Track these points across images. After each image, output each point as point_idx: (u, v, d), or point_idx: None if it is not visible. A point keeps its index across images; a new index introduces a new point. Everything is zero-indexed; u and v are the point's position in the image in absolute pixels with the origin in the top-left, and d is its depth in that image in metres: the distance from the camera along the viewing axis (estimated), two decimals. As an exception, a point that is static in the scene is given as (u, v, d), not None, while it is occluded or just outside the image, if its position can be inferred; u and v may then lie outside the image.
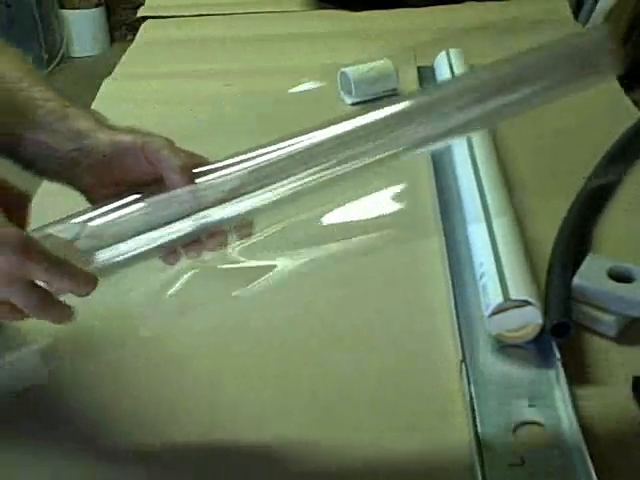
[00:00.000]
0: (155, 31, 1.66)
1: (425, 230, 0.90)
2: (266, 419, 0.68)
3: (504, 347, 0.73)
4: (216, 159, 0.63)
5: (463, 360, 0.71)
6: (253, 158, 0.61)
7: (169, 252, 0.63)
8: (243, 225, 0.63)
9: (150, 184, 0.62)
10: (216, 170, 0.62)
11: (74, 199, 0.66)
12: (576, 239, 0.85)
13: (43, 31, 3.30)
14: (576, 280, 0.77)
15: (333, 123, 0.62)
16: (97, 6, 3.50)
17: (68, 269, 0.56)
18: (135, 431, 0.67)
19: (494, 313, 0.71)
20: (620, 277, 0.77)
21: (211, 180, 0.61)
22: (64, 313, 0.59)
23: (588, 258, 0.80)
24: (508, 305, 0.71)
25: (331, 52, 1.45)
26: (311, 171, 0.60)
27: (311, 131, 0.62)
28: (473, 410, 0.66)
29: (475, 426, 0.64)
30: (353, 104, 1.24)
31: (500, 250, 0.77)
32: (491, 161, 0.96)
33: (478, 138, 0.99)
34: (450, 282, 0.80)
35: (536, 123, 1.16)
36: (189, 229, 0.61)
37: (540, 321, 0.71)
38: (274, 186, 0.61)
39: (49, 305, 0.57)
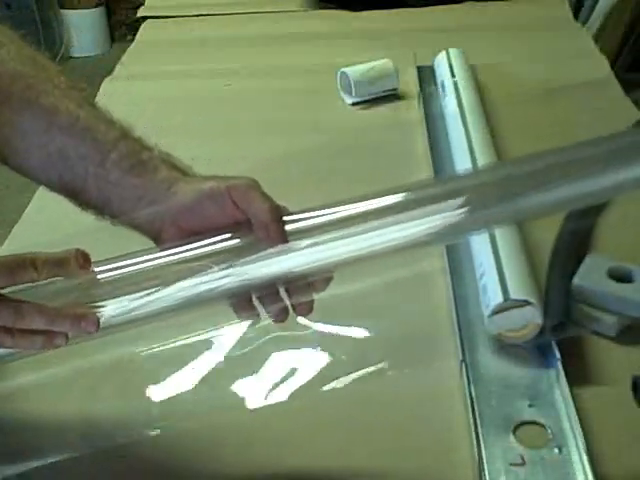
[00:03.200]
0: (155, 31, 1.66)
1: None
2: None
3: (504, 347, 0.73)
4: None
5: (463, 360, 0.71)
6: (341, 210, 0.59)
7: (241, 305, 0.61)
8: (321, 280, 0.61)
9: (230, 227, 0.60)
10: (300, 220, 0.59)
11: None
12: (576, 239, 0.85)
13: (43, 31, 3.30)
14: (576, 280, 0.77)
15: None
16: (97, 6, 3.50)
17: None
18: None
19: (494, 313, 0.71)
20: (620, 277, 0.77)
21: (297, 227, 0.59)
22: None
23: (588, 258, 0.80)
24: (508, 305, 0.71)
25: (331, 52, 1.45)
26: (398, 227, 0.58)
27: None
28: (473, 410, 0.66)
29: (475, 426, 0.64)
30: (353, 104, 1.24)
31: (500, 250, 0.77)
32: (490, 157, 0.96)
33: (479, 146, 0.99)
34: (450, 282, 0.80)
35: (536, 124, 1.16)
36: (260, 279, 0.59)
37: (540, 321, 0.71)
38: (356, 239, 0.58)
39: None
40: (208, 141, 1.16)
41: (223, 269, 0.58)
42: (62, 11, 3.45)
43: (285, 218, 0.59)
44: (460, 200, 0.57)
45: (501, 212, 0.59)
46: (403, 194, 0.59)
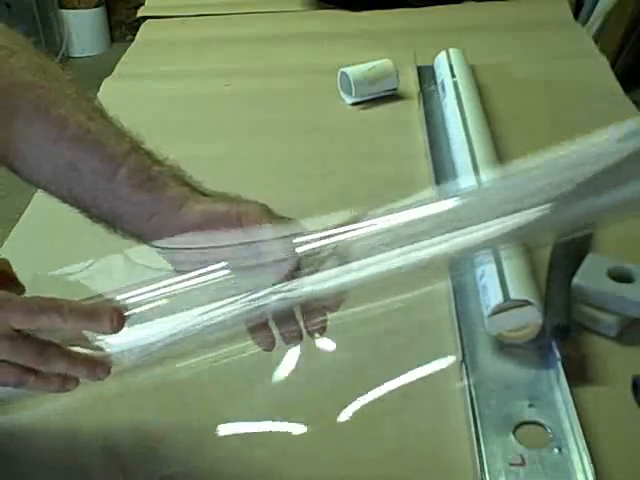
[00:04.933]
0: (155, 31, 1.66)
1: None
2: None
3: (504, 347, 0.73)
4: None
5: (463, 360, 0.71)
6: (352, 230, 0.57)
7: (256, 328, 0.60)
8: (335, 300, 0.60)
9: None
10: (314, 240, 0.58)
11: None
12: (576, 239, 0.85)
13: (43, 31, 3.30)
14: (576, 280, 0.77)
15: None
16: (97, 6, 3.50)
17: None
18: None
19: (494, 313, 0.71)
20: (620, 277, 0.77)
21: (309, 250, 0.58)
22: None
23: (588, 258, 0.80)
24: (508, 305, 0.71)
25: (331, 52, 1.45)
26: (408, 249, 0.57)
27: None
28: (473, 410, 0.66)
29: (475, 426, 0.64)
30: (353, 104, 1.24)
31: (500, 250, 0.77)
32: (490, 157, 0.96)
33: (479, 146, 0.99)
34: (450, 282, 0.80)
35: (535, 124, 1.16)
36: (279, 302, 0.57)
37: (540, 321, 0.71)
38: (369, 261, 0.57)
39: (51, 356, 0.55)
40: (208, 141, 1.16)
41: (240, 293, 0.57)
42: (62, 11, 3.45)
43: (298, 240, 0.57)
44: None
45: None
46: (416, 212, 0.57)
